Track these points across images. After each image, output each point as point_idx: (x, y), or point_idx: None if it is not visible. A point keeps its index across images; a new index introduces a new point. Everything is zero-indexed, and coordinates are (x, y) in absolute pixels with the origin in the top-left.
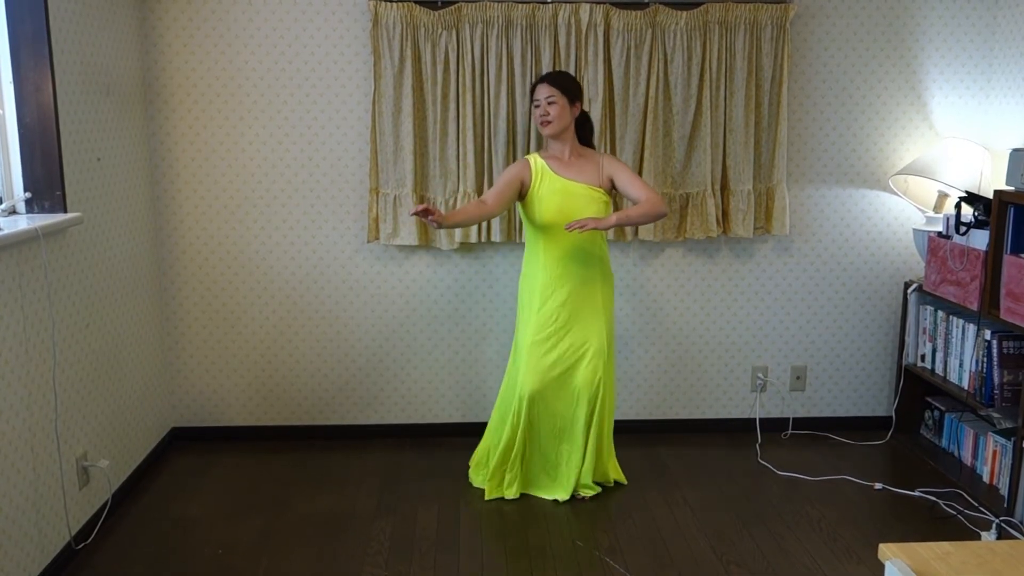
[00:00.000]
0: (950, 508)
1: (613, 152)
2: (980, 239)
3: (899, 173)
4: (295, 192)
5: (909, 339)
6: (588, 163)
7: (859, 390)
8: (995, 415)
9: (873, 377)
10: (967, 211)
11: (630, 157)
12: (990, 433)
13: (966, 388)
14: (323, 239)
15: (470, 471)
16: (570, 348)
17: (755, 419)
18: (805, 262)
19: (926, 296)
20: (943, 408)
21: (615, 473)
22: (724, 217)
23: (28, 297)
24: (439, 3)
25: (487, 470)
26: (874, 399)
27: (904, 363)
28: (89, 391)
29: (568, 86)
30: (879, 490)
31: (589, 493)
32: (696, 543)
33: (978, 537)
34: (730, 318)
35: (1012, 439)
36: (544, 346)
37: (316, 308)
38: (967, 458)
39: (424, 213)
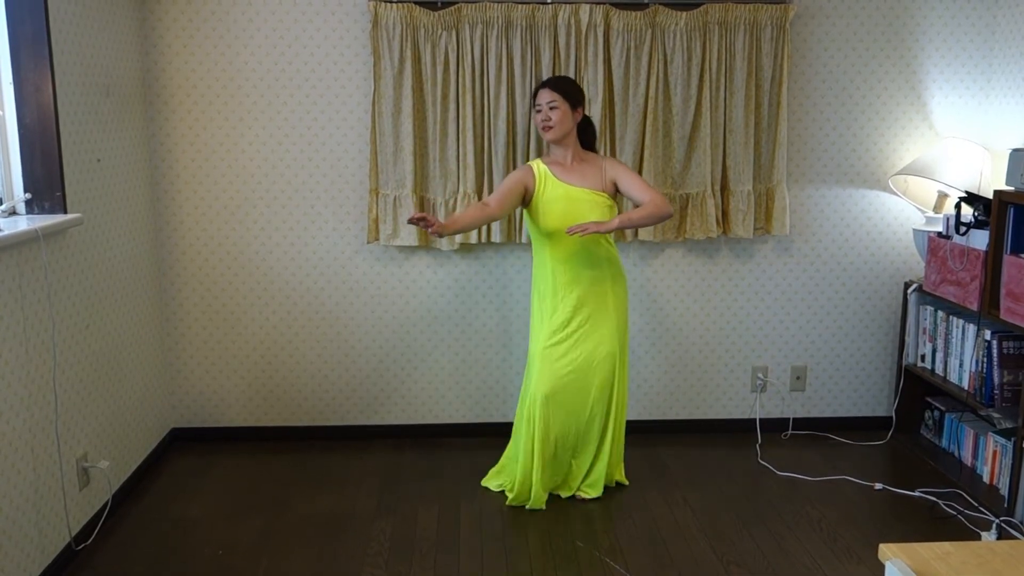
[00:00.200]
0: (950, 508)
1: (613, 153)
2: (980, 239)
3: (899, 173)
4: (295, 193)
5: (909, 339)
6: (591, 167)
7: (859, 390)
8: (995, 415)
9: (873, 377)
10: (967, 211)
11: (630, 158)
12: (990, 433)
13: (966, 388)
14: (323, 240)
15: (488, 476)
16: (582, 352)
17: (755, 419)
18: (805, 262)
19: (926, 296)
20: (943, 408)
21: (619, 475)
22: (724, 217)
23: (28, 298)
24: (439, 4)
25: (512, 478)
26: (874, 399)
27: (904, 363)
28: (89, 392)
29: (570, 91)
30: (879, 490)
31: (592, 494)
32: (696, 543)
33: (978, 537)
34: (730, 318)
35: (1012, 439)
36: (556, 351)
37: (316, 309)
38: (967, 458)
39: (420, 222)
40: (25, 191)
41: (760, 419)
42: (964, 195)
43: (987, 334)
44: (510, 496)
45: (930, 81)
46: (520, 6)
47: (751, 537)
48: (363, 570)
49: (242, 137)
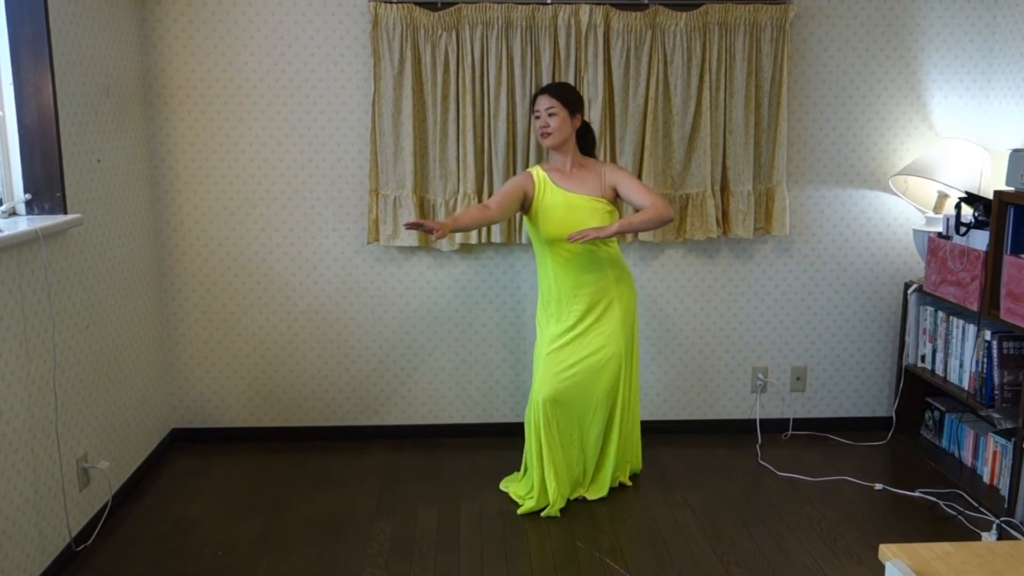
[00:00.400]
0: (950, 508)
1: (613, 153)
2: (980, 239)
3: (899, 173)
4: (295, 193)
5: (909, 339)
6: (590, 174)
7: (859, 391)
8: (995, 415)
9: (873, 378)
10: (967, 211)
11: (630, 158)
12: (990, 433)
13: (966, 388)
14: (323, 240)
15: (506, 480)
16: (586, 354)
17: (755, 420)
18: (805, 263)
19: (926, 296)
20: (943, 408)
21: (623, 476)
22: (724, 218)
23: (28, 298)
24: (439, 4)
25: (530, 484)
26: (874, 400)
27: (904, 363)
28: (89, 392)
29: (569, 97)
30: (879, 490)
31: (596, 495)
32: (696, 543)
33: (978, 537)
34: (730, 319)
35: (1012, 439)
36: (560, 355)
37: (316, 309)
38: (967, 459)
39: (418, 227)
40: (25, 192)
41: (760, 419)
42: (964, 195)
43: (987, 334)
44: (528, 504)
45: (930, 81)
46: (520, 7)
47: (751, 537)
48: (363, 570)
49: (242, 138)
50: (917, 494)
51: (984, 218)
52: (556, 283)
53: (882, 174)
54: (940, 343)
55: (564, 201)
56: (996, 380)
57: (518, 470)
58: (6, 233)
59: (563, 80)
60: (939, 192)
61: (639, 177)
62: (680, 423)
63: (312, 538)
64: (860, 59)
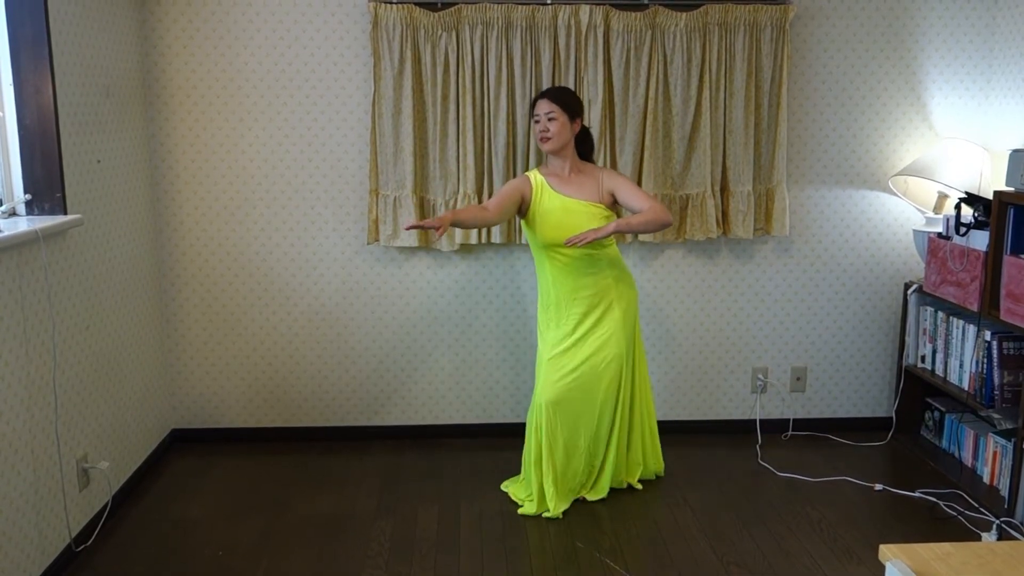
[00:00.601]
0: (950, 509)
1: (613, 153)
2: (980, 240)
3: (899, 174)
4: (295, 194)
5: (909, 340)
6: (588, 179)
7: (859, 391)
8: (995, 416)
9: (873, 378)
10: (967, 212)
11: (630, 159)
12: (990, 434)
13: (966, 389)
14: (323, 240)
15: (507, 482)
16: (587, 356)
17: (755, 420)
18: (805, 263)
19: (926, 297)
20: (943, 409)
21: (630, 478)
22: (724, 218)
23: (28, 299)
24: (439, 4)
25: (529, 487)
26: (874, 400)
27: (904, 364)
28: (89, 393)
29: (569, 102)
30: (879, 491)
31: (596, 497)
32: (696, 544)
33: (978, 538)
34: (730, 319)
35: (1012, 440)
36: (562, 359)
37: (316, 310)
38: (967, 459)
39: (419, 228)
40: (25, 192)
41: (760, 420)
42: (964, 196)
43: (987, 335)
44: (528, 507)
45: (930, 82)
46: (520, 7)
47: (751, 537)
48: (363, 571)
49: (242, 138)
50: (917, 494)
51: (984, 218)
52: (555, 286)
53: (882, 174)
54: (940, 343)
55: (561, 206)
56: (996, 380)
57: (519, 471)
58: (6, 233)
59: (563, 81)
60: (939, 192)
61: (639, 177)
62: (680, 423)
63: (312, 538)
64: (860, 59)
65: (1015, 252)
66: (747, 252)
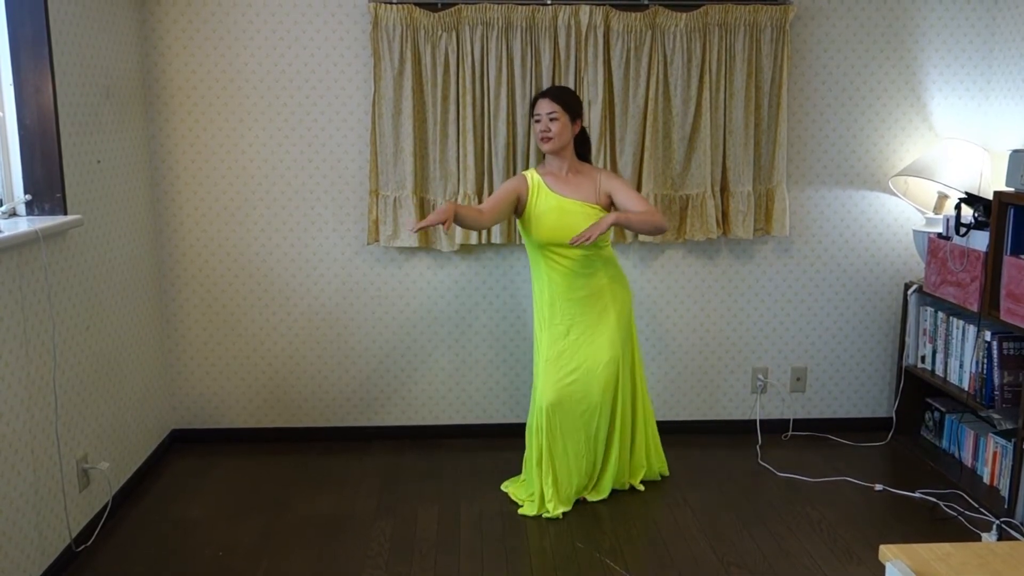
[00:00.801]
0: (950, 509)
1: (613, 153)
2: (980, 240)
3: (899, 174)
4: (295, 194)
5: (909, 340)
6: (586, 180)
7: (859, 391)
8: (995, 416)
9: (873, 378)
10: (967, 212)
11: (630, 159)
12: (990, 434)
13: (966, 389)
14: (323, 241)
15: (507, 482)
16: (584, 358)
17: (755, 420)
18: (805, 263)
19: (926, 297)
20: (943, 409)
21: (633, 479)
22: (724, 218)
23: (28, 299)
24: (439, 5)
25: (530, 489)
26: (874, 400)
27: (904, 364)
28: (89, 393)
29: (570, 102)
30: (879, 491)
31: (597, 498)
32: (696, 544)
33: (978, 538)
34: (730, 319)
35: (1012, 440)
36: (558, 362)
37: (316, 310)
38: (967, 459)
39: (426, 227)
40: (25, 192)
41: (760, 420)
42: (964, 196)
43: (987, 335)
44: (528, 508)
45: (930, 82)
46: (520, 7)
47: (751, 538)
48: (363, 571)
49: (242, 138)
50: (917, 495)
51: (984, 219)
52: (550, 286)
53: (882, 175)
54: (940, 344)
55: (558, 206)
56: (996, 381)
57: (519, 472)
58: (6, 234)
59: (563, 81)
60: (939, 193)
61: (639, 177)
62: (680, 423)
63: (312, 539)
64: (860, 60)
65: (1015, 252)
66: (747, 252)
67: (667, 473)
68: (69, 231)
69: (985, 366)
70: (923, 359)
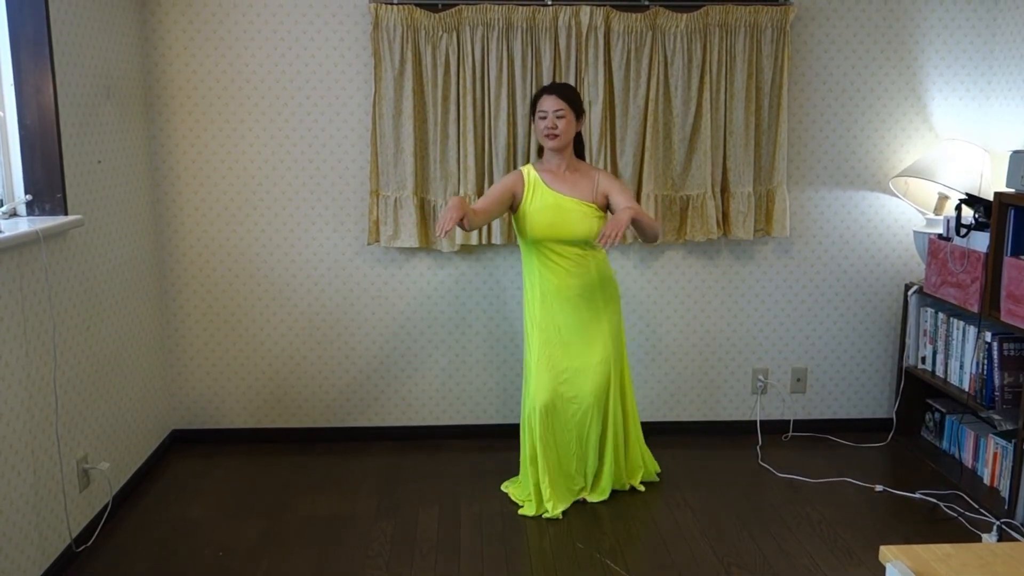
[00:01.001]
0: (951, 510)
1: (613, 154)
2: (980, 241)
3: (899, 175)
4: (296, 194)
5: (910, 341)
6: (583, 178)
7: (860, 392)
8: (996, 417)
9: (874, 379)
10: (967, 213)
11: (630, 160)
12: (991, 435)
13: (967, 390)
14: (324, 241)
15: (507, 482)
16: (577, 359)
17: (756, 421)
18: (805, 264)
19: (926, 298)
20: (944, 410)
21: (633, 480)
22: (724, 219)
23: (29, 299)
24: (439, 5)
25: (526, 488)
26: (875, 401)
27: (905, 365)
28: (90, 393)
29: (575, 100)
30: (880, 492)
31: (598, 499)
32: (697, 545)
33: (979, 539)
34: (730, 320)
35: (1013, 441)
36: (551, 361)
37: (316, 310)
38: (968, 460)
39: (451, 228)
40: (26, 193)
41: (761, 421)
42: (964, 197)
43: (987, 336)
44: (528, 508)
45: (930, 83)
46: (521, 8)
47: (751, 538)
48: (364, 571)
49: (243, 139)
50: (917, 495)
51: (984, 220)
52: (542, 284)
53: (882, 175)
54: (940, 344)
55: (554, 203)
56: (996, 382)
57: (518, 472)
58: (7, 234)
59: (564, 82)
60: (939, 194)
61: (639, 178)
62: (680, 424)
63: (313, 539)
64: (860, 61)
65: (1015, 253)
66: (747, 253)
67: (659, 470)
68: (69, 231)
69: (985, 367)
70: (923, 360)
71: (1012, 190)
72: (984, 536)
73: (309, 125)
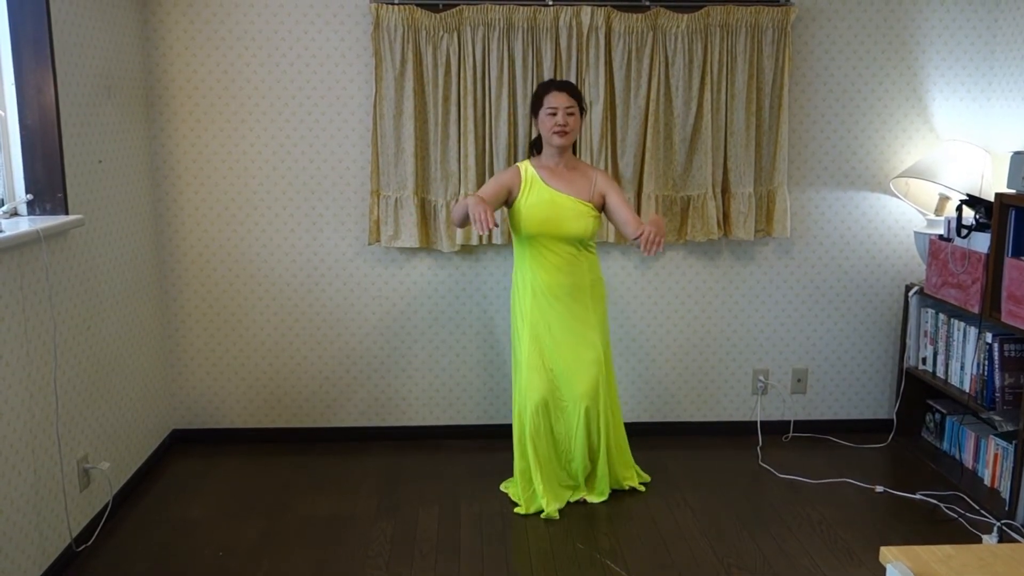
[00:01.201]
0: (951, 511)
1: (614, 155)
2: (981, 242)
3: (900, 176)
4: (296, 194)
5: (910, 342)
6: (581, 177)
7: (860, 393)
8: (996, 418)
9: (874, 380)
10: (968, 214)
11: (631, 160)
12: (991, 436)
13: (967, 391)
14: (324, 241)
15: (506, 482)
16: (569, 357)
17: (756, 422)
18: (806, 265)
19: (927, 299)
20: (944, 411)
21: (630, 480)
22: (725, 219)
23: (29, 299)
24: (440, 5)
25: (518, 487)
26: (875, 402)
27: (905, 366)
28: (90, 393)
29: (581, 98)
30: (880, 493)
31: (598, 499)
32: (697, 545)
33: (979, 540)
34: (731, 320)
35: (1013, 442)
36: (541, 359)
37: (317, 310)
38: (968, 461)
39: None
40: (26, 192)
41: (761, 421)
42: (965, 198)
43: (988, 337)
44: (523, 507)
45: (931, 84)
46: (521, 8)
47: (752, 539)
48: (364, 572)
49: (243, 139)
50: (918, 496)
51: (985, 220)
52: (533, 280)
53: (883, 176)
54: (941, 345)
55: (550, 199)
56: (997, 383)
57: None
58: (7, 234)
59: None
60: (940, 194)
61: (640, 178)
62: (681, 425)
63: (313, 539)
64: (861, 61)
65: (1016, 254)
66: (748, 253)
67: (647, 479)
68: (70, 231)
69: (986, 368)
70: (924, 361)
71: (1013, 191)
72: (984, 537)
73: (310, 125)
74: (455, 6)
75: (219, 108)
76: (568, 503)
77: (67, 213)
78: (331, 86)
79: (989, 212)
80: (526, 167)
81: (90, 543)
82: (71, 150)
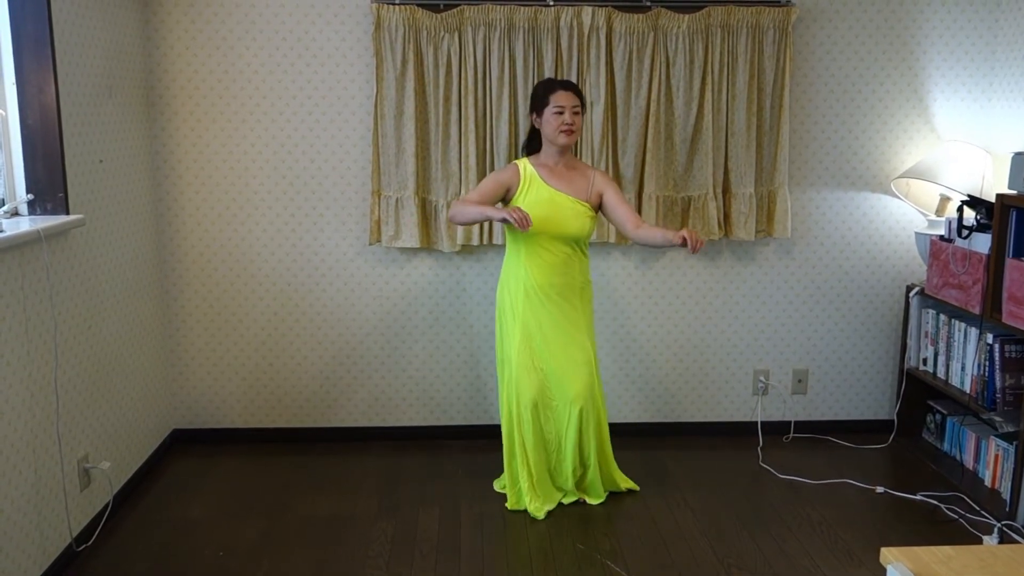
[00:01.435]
0: (952, 512)
1: (615, 155)
2: (982, 243)
3: (901, 176)
4: (297, 194)
5: (911, 342)
6: (579, 176)
7: (861, 393)
8: (997, 419)
9: (875, 380)
10: (969, 215)
11: (632, 160)
12: (992, 437)
13: (968, 392)
14: (325, 241)
15: (497, 480)
16: (561, 357)
17: (757, 422)
18: (807, 265)
19: (928, 299)
20: (945, 412)
21: (624, 481)
22: (726, 220)
23: (30, 299)
24: (441, 6)
25: (512, 483)
26: (876, 402)
27: (906, 366)
28: (91, 393)
29: (583, 97)
30: (881, 493)
31: (593, 501)
32: (697, 545)
33: (980, 541)
34: (732, 321)
35: (1014, 443)
36: (532, 358)
37: (318, 310)
38: (969, 462)
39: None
40: (27, 192)
41: (761, 422)
42: (966, 198)
43: (989, 337)
44: (511, 502)
45: (932, 84)
46: (522, 8)
47: (752, 539)
48: (364, 572)
49: (244, 139)
50: (918, 497)
51: (986, 221)
52: (527, 276)
53: (884, 177)
54: (942, 346)
55: (549, 198)
56: (998, 383)
57: None
58: (8, 233)
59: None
60: (941, 195)
61: (641, 178)
62: (681, 425)
63: (313, 539)
64: (862, 62)
65: (1017, 255)
66: (749, 254)
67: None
68: (71, 231)
69: (987, 369)
70: (925, 361)
71: (1014, 192)
72: (985, 538)
73: (311, 125)
74: (456, 6)
75: (220, 108)
76: (568, 504)
77: (68, 213)
78: (332, 86)
79: (990, 213)
80: (525, 165)
81: (90, 543)
82: (72, 150)
